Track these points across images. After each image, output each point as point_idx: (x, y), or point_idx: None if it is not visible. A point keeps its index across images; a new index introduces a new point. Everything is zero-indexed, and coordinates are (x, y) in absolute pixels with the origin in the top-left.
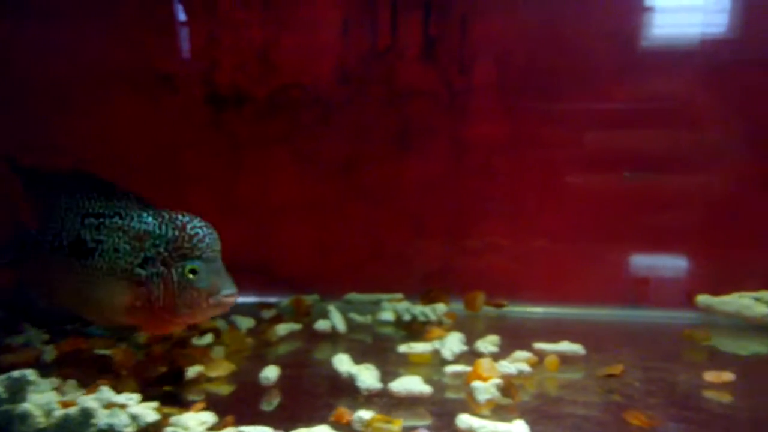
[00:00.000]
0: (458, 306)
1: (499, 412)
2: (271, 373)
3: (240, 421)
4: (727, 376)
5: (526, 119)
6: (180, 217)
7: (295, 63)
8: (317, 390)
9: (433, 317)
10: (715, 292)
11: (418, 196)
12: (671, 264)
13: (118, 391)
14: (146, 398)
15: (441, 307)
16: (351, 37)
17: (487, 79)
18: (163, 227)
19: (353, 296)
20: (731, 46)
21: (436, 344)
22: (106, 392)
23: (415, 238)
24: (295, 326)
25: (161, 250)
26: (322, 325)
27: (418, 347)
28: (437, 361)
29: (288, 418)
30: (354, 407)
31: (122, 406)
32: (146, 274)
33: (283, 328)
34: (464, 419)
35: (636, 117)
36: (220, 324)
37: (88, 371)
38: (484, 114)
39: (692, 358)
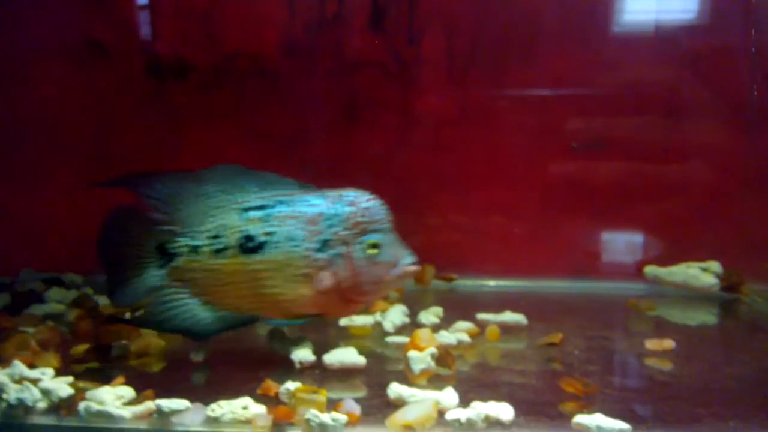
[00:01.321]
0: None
1: (435, 381)
2: (201, 348)
3: (164, 396)
4: (668, 343)
5: (476, 91)
6: (346, 193)
7: (239, 32)
8: (250, 365)
9: None
10: (664, 263)
11: (367, 170)
12: (620, 236)
13: (40, 367)
14: (71, 375)
15: None
16: (297, 4)
17: (437, 50)
18: (335, 206)
19: None
20: (682, 23)
21: (378, 317)
22: (19, 367)
23: None
24: None
25: (338, 229)
26: None
27: (359, 320)
28: (378, 333)
29: (216, 392)
30: (286, 380)
31: (35, 381)
32: (327, 257)
33: None
34: (394, 388)
35: (586, 88)
36: None
37: (10, 349)
38: (434, 86)
39: (636, 328)
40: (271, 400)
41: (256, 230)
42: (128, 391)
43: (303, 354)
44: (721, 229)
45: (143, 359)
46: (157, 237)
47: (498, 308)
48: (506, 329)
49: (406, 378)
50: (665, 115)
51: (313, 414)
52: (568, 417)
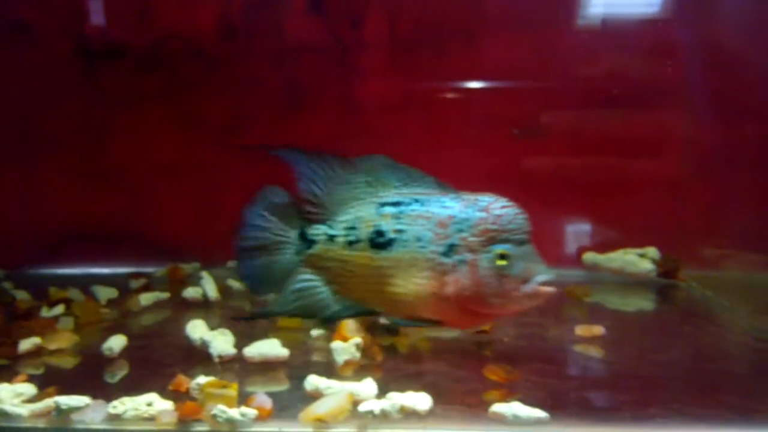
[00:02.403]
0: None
1: (360, 372)
2: (115, 343)
3: (73, 393)
4: (597, 329)
5: (419, 76)
6: (484, 197)
7: (174, 13)
8: (169, 359)
9: None
10: (603, 250)
11: None
12: (559, 223)
13: None
14: None
15: None
16: None
17: (379, 34)
18: (467, 210)
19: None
20: (625, 13)
21: None
22: None
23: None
24: (162, 295)
25: (466, 235)
26: (191, 292)
27: None
28: (310, 324)
29: (128, 388)
30: (207, 375)
31: None
32: (452, 262)
33: (147, 298)
34: (311, 381)
35: (529, 75)
36: (74, 294)
37: None
38: (377, 71)
39: (571, 314)
40: (182, 396)
41: (388, 226)
42: (29, 389)
43: (222, 347)
44: (660, 216)
45: (55, 355)
46: (302, 221)
47: None
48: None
49: (330, 369)
50: (606, 104)
51: (221, 409)
52: (488, 406)
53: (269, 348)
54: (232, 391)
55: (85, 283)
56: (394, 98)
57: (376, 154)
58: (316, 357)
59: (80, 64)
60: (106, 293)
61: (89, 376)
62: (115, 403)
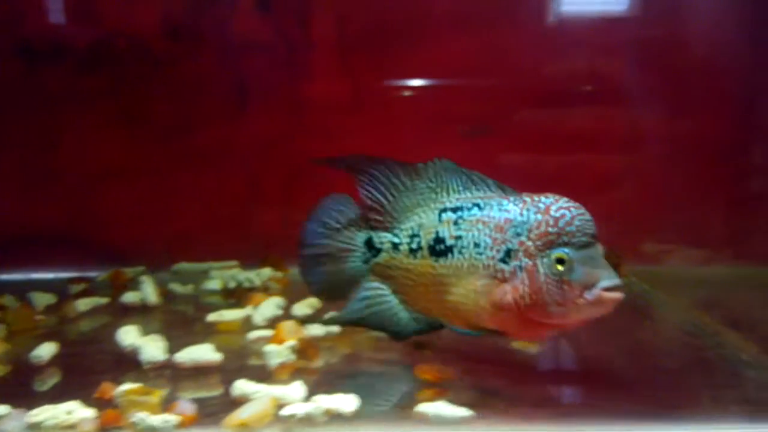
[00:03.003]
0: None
1: (296, 374)
2: (45, 351)
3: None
4: None
5: (366, 75)
6: (545, 198)
7: (118, 11)
8: (99, 366)
9: (257, 283)
10: None
11: (255, 159)
12: None
13: None
14: None
15: (266, 272)
16: None
17: (326, 32)
18: (526, 213)
19: (182, 266)
20: (571, 8)
21: (249, 310)
22: None
23: (253, 203)
24: (101, 300)
25: (524, 239)
26: (131, 297)
27: (229, 315)
28: (249, 327)
29: (55, 396)
30: (137, 382)
31: None
32: (510, 269)
33: (85, 303)
34: (239, 386)
35: (475, 74)
36: (8, 301)
37: None
38: (324, 70)
39: None
40: (107, 404)
41: (447, 233)
42: None
43: (152, 353)
44: (602, 212)
45: None
46: (368, 229)
47: None
48: None
49: (265, 373)
50: (550, 101)
51: (141, 417)
52: (415, 405)
53: (201, 353)
54: (155, 398)
55: (26, 289)
56: (342, 97)
57: (439, 158)
58: (252, 361)
59: (21, 64)
60: (43, 299)
61: (16, 384)
62: (35, 411)
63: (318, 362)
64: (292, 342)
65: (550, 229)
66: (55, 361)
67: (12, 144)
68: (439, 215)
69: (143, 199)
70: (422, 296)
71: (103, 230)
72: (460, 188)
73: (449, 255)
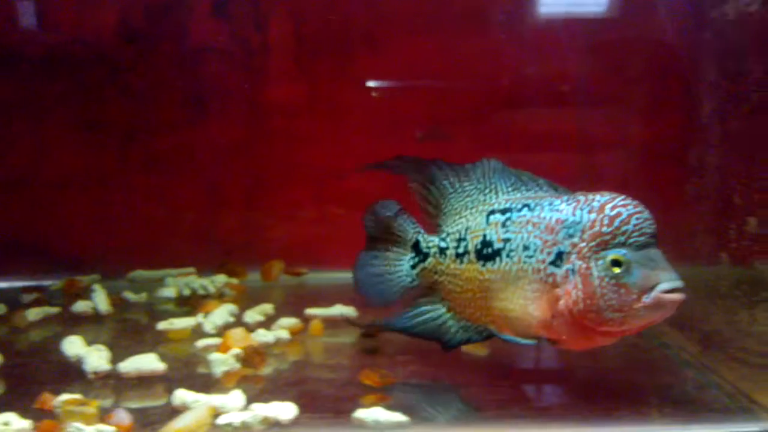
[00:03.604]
0: (257, 277)
1: (242, 383)
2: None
3: None
4: None
5: (325, 80)
6: (600, 196)
7: (74, 17)
8: (43, 377)
9: (212, 290)
10: None
11: (215, 164)
12: None
13: None
14: None
15: (221, 279)
16: None
17: (284, 37)
18: (579, 212)
19: (138, 274)
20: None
21: (200, 318)
22: None
23: (213, 210)
24: (51, 310)
25: (576, 240)
26: (82, 306)
27: (179, 323)
28: (199, 335)
29: None
30: (81, 392)
31: None
32: (562, 272)
33: (35, 313)
34: (179, 395)
35: (433, 78)
36: None
37: None
38: (283, 74)
39: None
40: (46, 414)
41: (495, 235)
42: None
43: (96, 363)
44: None
45: None
46: (416, 233)
47: (335, 301)
48: (333, 323)
49: (210, 382)
50: (506, 104)
51: (76, 427)
52: (354, 412)
53: (145, 363)
54: (92, 408)
55: None
56: (301, 102)
57: (488, 158)
58: (199, 369)
59: None
60: None
61: None
62: None
63: (265, 370)
64: (236, 350)
65: (604, 229)
66: (2, 369)
67: None
68: (487, 217)
69: (100, 206)
70: (470, 303)
71: (60, 238)
72: (509, 189)
73: (497, 259)
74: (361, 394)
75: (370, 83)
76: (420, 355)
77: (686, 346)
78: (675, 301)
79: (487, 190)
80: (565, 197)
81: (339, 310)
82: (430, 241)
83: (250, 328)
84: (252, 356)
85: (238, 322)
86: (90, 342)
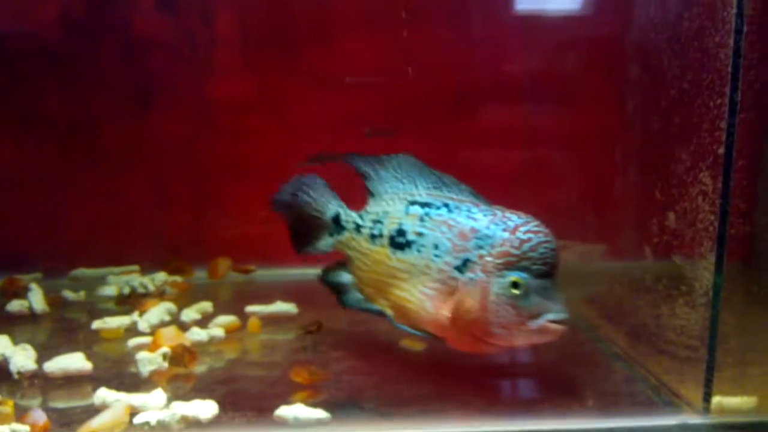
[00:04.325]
0: (204, 275)
1: (171, 381)
2: None
3: None
4: None
5: (273, 75)
6: (514, 217)
7: (14, 7)
8: None
9: (152, 288)
10: None
11: (162, 160)
12: None
13: None
14: None
15: (161, 277)
16: None
17: (231, 30)
18: (493, 226)
19: (81, 272)
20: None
21: (135, 317)
22: None
23: (160, 207)
24: None
25: (485, 253)
26: (16, 306)
27: (113, 322)
28: (134, 334)
29: None
30: (9, 393)
31: None
32: (463, 279)
33: None
34: (100, 394)
35: (380, 73)
36: None
37: None
38: (230, 69)
39: None
40: None
41: (410, 227)
42: None
43: (21, 362)
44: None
45: None
46: (338, 206)
47: (280, 297)
48: (274, 320)
49: (139, 381)
50: (455, 100)
51: None
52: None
53: (71, 362)
54: (7, 407)
55: None
56: (248, 96)
57: (402, 153)
58: (130, 369)
59: None
60: None
61: None
62: None
63: (197, 368)
64: (164, 350)
65: (513, 251)
66: None
67: None
68: (407, 207)
69: (42, 203)
70: (373, 283)
71: (0, 236)
72: (431, 186)
73: (407, 250)
74: (290, 392)
75: (319, 77)
76: (356, 352)
77: (616, 339)
78: (557, 332)
79: (405, 181)
80: (483, 207)
81: (279, 307)
82: (349, 216)
83: (186, 327)
84: (182, 355)
85: (175, 320)
86: (21, 341)
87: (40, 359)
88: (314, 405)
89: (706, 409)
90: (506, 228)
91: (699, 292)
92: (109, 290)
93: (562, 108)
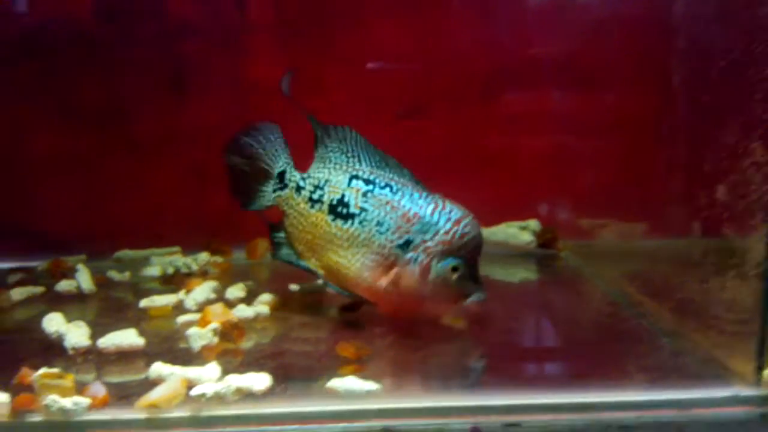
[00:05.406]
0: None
1: (222, 356)
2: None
3: None
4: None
5: (305, 59)
6: (455, 210)
7: None
8: (26, 354)
9: (195, 268)
10: (487, 223)
11: (198, 145)
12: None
13: None
14: None
15: (203, 257)
16: None
17: (264, 14)
18: (436, 215)
19: (124, 254)
20: None
21: (182, 295)
22: None
23: (198, 190)
24: (36, 289)
25: (427, 237)
26: (65, 286)
27: (161, 300)
28: (180, 312)
29: None
30: (64, 368)
31: None
32: (405, 257)
33: (19, 293)
34: (155, 368)
35: (412, 56)
36: None
37: None
38: (263, 53)
39: None
40: (25, 389)
41: (353, 200)
42: None
43: (76, 339)
44: (542, 189)
45: None
46: (285, 163)
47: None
48: (316, 298)
49: (191, 356)
50: (485, 83)
51: (53, 399)
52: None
53: (124, 338)
54: (68, 381)
55: None
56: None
57: (347, 126)
58: (180, 344)
59: None
60: None
61: None
62: None
63: (245, 344)
64: (214, 325)
65: (454, 240)
66: None
67: None
68: (350, 180)
69: (85, 188)
70: (305, 243)
71: (44, 220)
72: (374, 164)
73: (350, 221)
74: (337, 366)
75: (353, 61)
76: (398, 329)
77: (661, 315)
78: (475, 310)
79: (350, 154)
80: (425, 194)
81: (320, 285)
82: (293, 176)
83: (231, 304)
84: (230, 330)
85: (220, 298)
86: (72, 319)
87: (93, 336)
88: (363, 378)
89: (758, 381)
90: (449, 219)
91: (751, 264)
92: (153, 270)
93: (602, 85)
